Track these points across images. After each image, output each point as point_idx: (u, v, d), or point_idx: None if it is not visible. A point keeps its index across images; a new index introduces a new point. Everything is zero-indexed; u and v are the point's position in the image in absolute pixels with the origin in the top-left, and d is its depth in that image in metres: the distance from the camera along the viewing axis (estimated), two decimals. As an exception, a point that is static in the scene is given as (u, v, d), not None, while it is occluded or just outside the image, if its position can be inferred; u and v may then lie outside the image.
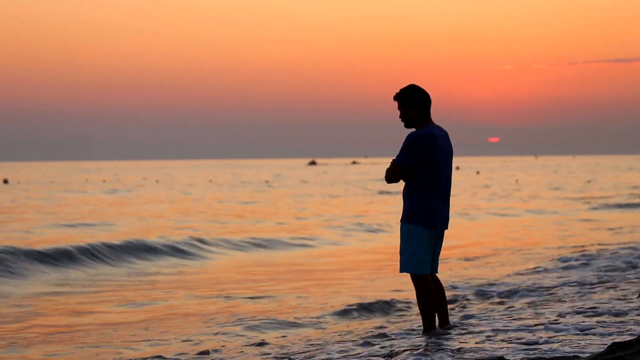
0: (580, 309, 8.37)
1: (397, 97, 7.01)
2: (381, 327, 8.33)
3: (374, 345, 7.15)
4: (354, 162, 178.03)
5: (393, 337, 7.55)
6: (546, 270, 13.10)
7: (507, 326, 7.54)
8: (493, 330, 7.37)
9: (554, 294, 10.26)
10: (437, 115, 7.07)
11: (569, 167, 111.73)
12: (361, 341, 7.39)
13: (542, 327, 7.35)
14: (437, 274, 7.20)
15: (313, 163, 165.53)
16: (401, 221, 7.01)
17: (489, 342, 6.77)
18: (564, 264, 13.58)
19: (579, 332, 7.04)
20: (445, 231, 7.15)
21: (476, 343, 6.72)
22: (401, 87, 7.03)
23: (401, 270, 7.01)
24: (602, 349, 6.03)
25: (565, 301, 9.41)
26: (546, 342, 6.63)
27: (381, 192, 47.70)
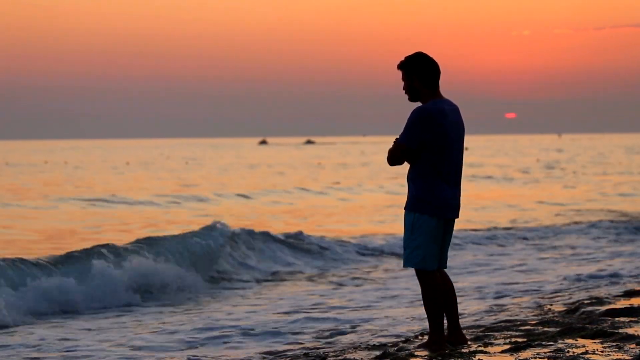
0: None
1: (401, 66, 6.93)
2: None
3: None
4: (308, 142, 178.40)
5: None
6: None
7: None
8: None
9: None
10: (446, 87, 6.98)
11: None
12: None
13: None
14: (445, 270, 7.08)
15: (264, 142, 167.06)
16: (405, 209, 6.92)
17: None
18: None
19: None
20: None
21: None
22: (406, 55, 6.91)
23: (405, 265, 6.96)
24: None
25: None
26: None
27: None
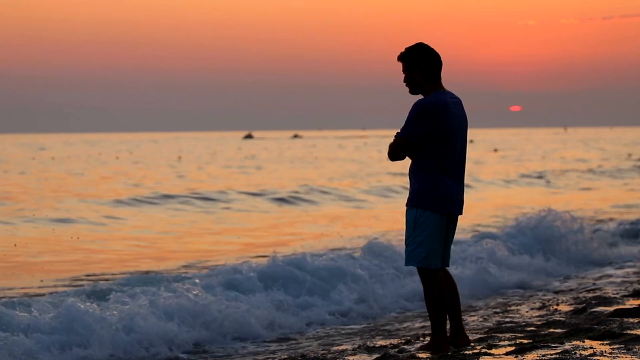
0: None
1: (401, 58, 6.91)
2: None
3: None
4: (295, 136, 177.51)
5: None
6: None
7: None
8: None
9: None
10: (448, 79, 6.92)
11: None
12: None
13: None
14: (448, 268, 7.04)
15: (249, 137, 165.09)
16: (407, 205, 6.88)
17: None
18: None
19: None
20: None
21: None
22: (407, 46, 6.87)
23: (407, 264, 6.93)
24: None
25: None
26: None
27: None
